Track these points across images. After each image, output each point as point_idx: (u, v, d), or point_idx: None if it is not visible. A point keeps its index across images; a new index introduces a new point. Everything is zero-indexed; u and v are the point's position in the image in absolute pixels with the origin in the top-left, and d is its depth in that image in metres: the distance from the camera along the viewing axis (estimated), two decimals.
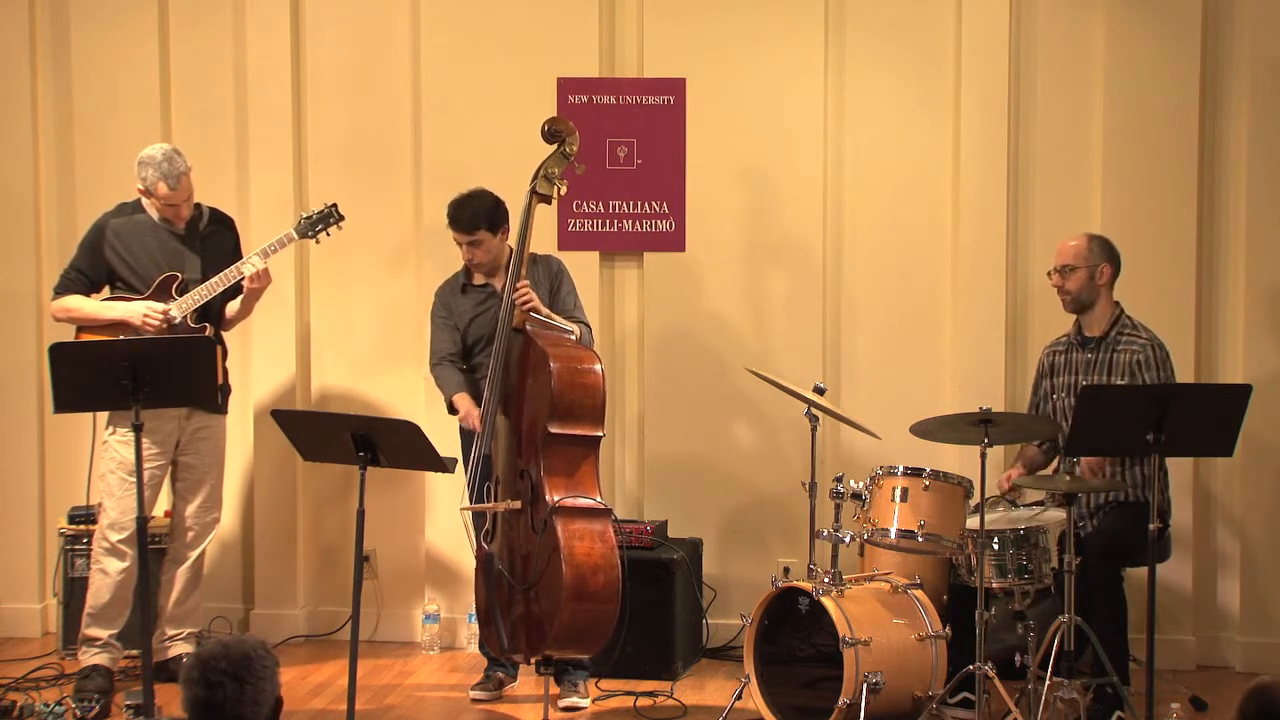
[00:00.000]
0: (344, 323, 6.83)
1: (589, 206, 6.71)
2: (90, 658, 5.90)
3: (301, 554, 6.83)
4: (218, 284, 5.91)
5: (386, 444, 5.06)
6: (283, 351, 6.79)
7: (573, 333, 5.70)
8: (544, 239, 6.44)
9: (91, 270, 5.97)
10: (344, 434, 5.06)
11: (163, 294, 5.90)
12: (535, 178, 5.72)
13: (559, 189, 5.74)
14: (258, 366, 6.81)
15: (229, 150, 6.84)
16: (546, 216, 6.44)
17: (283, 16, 6.73)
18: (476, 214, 5.80)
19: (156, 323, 5.82)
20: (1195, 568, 6.37)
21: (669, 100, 6.67)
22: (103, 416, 5.98)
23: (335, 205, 6.14)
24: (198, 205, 6.06)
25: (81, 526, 6.38)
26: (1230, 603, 6.40)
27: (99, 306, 5.93)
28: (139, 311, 5.83)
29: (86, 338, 5.85)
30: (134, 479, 5.71)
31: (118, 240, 5.95)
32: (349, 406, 6.66)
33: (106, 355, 5.19)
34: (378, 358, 6.81)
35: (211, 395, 5.54)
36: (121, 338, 5.73)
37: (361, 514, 5.05)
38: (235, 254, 6.10)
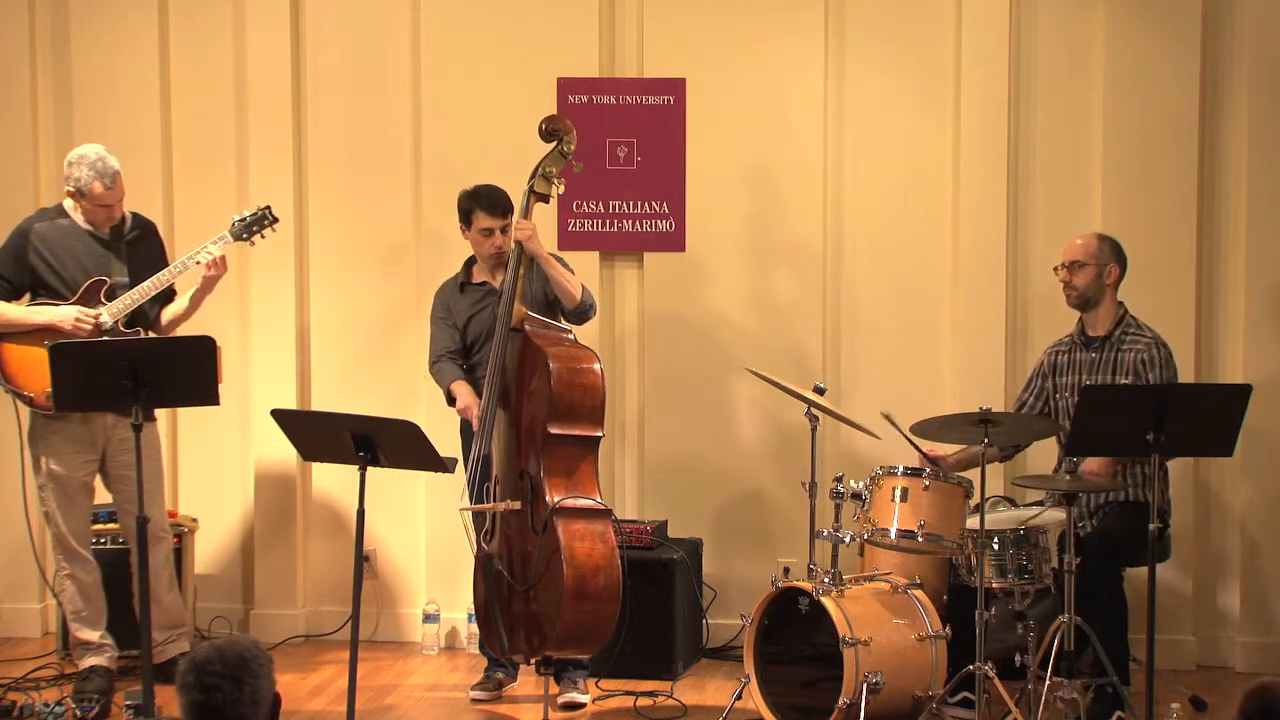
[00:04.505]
0: (343, 322, 6.83)
1: (589, 206, 6.71)
2: (88, 659, 5.90)
3: (301, 554, 6.83)
4: (149, 288, 5.82)
5: (386, 444, 5.05)
6: (282, 350, 6.79)
7: (570, 331, 5.71)
8: (544, 239, 6.42)
9: (15, 276, 5.84)
10: (344, 434, 5.05)
11: (90, 299, 5.80)
12: (533, 177, 5.72)
13: (557, 188, 5.75)
14: (257, 365, 6.81)
15: (229, 150, 6.84)
16: (546, 216, 6.45)
17: (283, 16, 6.73)
18: (506, 197, 5.84)
19: (88, 328, 5.72)
20: (1195, 568, 6.37)
21: (669, 100, 6.67)
22: (25, 425, 5.90)
23: (269, 207, 6.06)
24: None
25: None
26: (1230, 603, 6.40)
27: (24, 311, 5.81)
28: (70, 316, 5.73)
29: (8, 346, 5.75)
30: (68, 490, 5.82)
31: (43, 245, 5.84)
32: (348, 406, 6.65)
33: (107, 355, 5.18)
34: (377, 357, 6.81)
35: (212, 395, 5.52)
36: (47, 345, 5.65)
37: (361, 514, 5.04)
38: (161, 259, 6.00)
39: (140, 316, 5.90)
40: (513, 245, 5.73)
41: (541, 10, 6.70)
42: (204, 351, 5.30)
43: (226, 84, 6.84)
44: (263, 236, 6.08)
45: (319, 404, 6.75)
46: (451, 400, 5.89)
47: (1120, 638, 5.53)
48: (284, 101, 6.75)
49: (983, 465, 5.23)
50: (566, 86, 6.67)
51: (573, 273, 5.86)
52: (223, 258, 5.88)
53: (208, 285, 5.93)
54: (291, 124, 6.77)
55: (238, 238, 6.01)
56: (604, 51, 6.70)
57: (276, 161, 6.76)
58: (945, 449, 5.73)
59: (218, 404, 5.51)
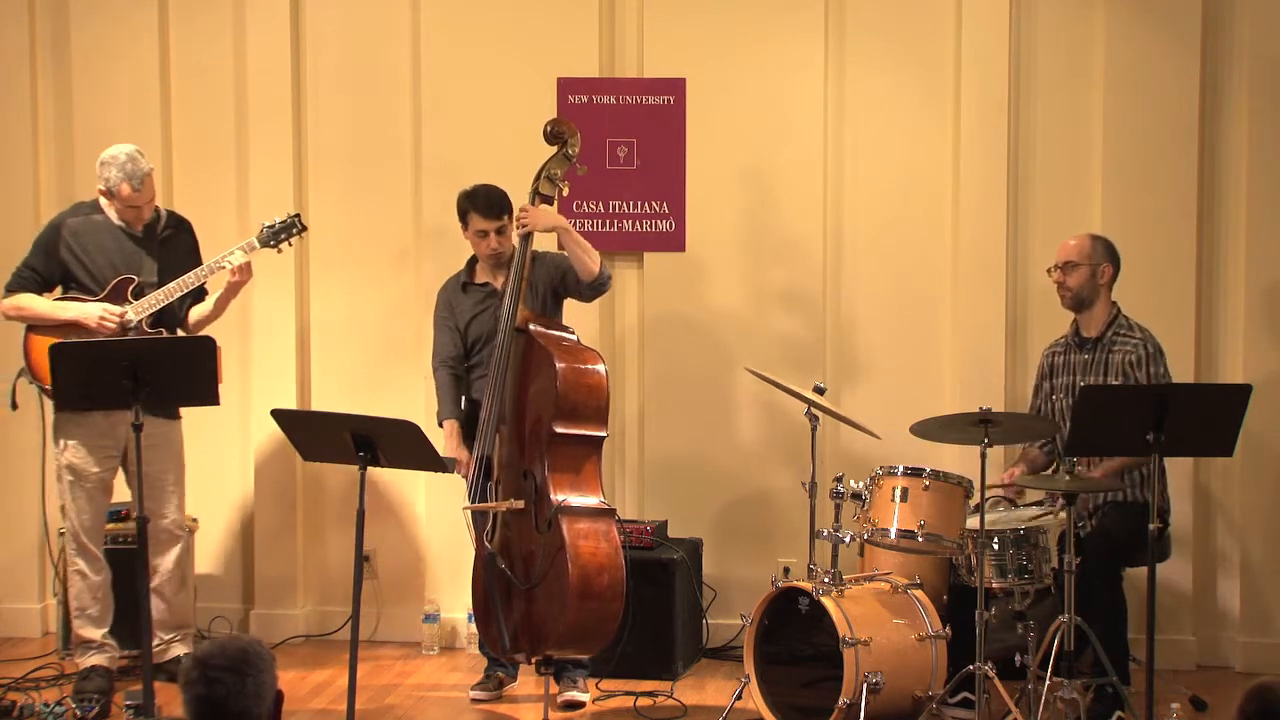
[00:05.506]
0: (344, 322, 6.83)
1: (589, 206, 6.71)
2: (88, 658, 5.90)
3: (301, 554, 6.83)
4: (175, 289, 5.85)
5: (386, 444, 5.05)
6: (282, 350, 6.79)
7: (572, 332, 5.72)
8: (544, 238, 6.43)
9: (45, 269, 5.89)
10: (344, 434, 5.05)
11: (117, 297, 5.83)
12: (537, 179, 5.73)
13: (561, 190, 5.76)
14: (257, 366, 6.81)
15: (229, 150, 6.84)
16: None
17: (283, 16, 6.73)
18: (501, 200, 5.83)
19: (113, 326, 5.75)
20: (1195, 568, 6.37)
21: (669, 100, 6.67)
22: (49, 420, 5.93)
23: (298, 215, 6.10)
24: (155, 208, 5.99)
25: None
26: (1230, 603, 6.40)
27: (52, 306, 5.86)
28: (95, 314, 5.76)
29: (35, 339, 5.79)
30: (86, 485, 5.82)
31: (74, 240, 5.88)
32: (348, 406, 6.65)
33: (107, 355, 5.18)
34: (377, 357, 6.81)
35: (212, 395, 5.52)
36: (92, 339, 5.70)
37: (361, 514, 5.05)
38: (193, 257, 6.02)
39: (169, 316, 5.92)
40: (515, 244, 5.73)
41: (541, 10, 6.70)
42: (204, 351, 5.31)
43: (226, 84, 6.84)
44: (289, 244, 6.10)
45: (319, 404, 6.75)
46: (441, 424, 5.90)
47: (1120, 638, 5.53)
48: (284, 101, 6.75)
49: (983, 466, 5.21)
50: (566, 86, 6.67)
51: (603, 262, 5.85)
52: (248, 264, 5.91)
53: (232, 290, 5.98)
54: (291, 124, 6.77)
55: (265, 244, 6.01)
56: (604, 51, 6.70)
57: (276, 161, 6.76)
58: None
59: (218, 404, 5.52)
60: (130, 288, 5.85)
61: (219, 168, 6.82)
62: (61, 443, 5.89)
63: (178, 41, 6.88)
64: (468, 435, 5.85)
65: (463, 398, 5.92)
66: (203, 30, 6.85)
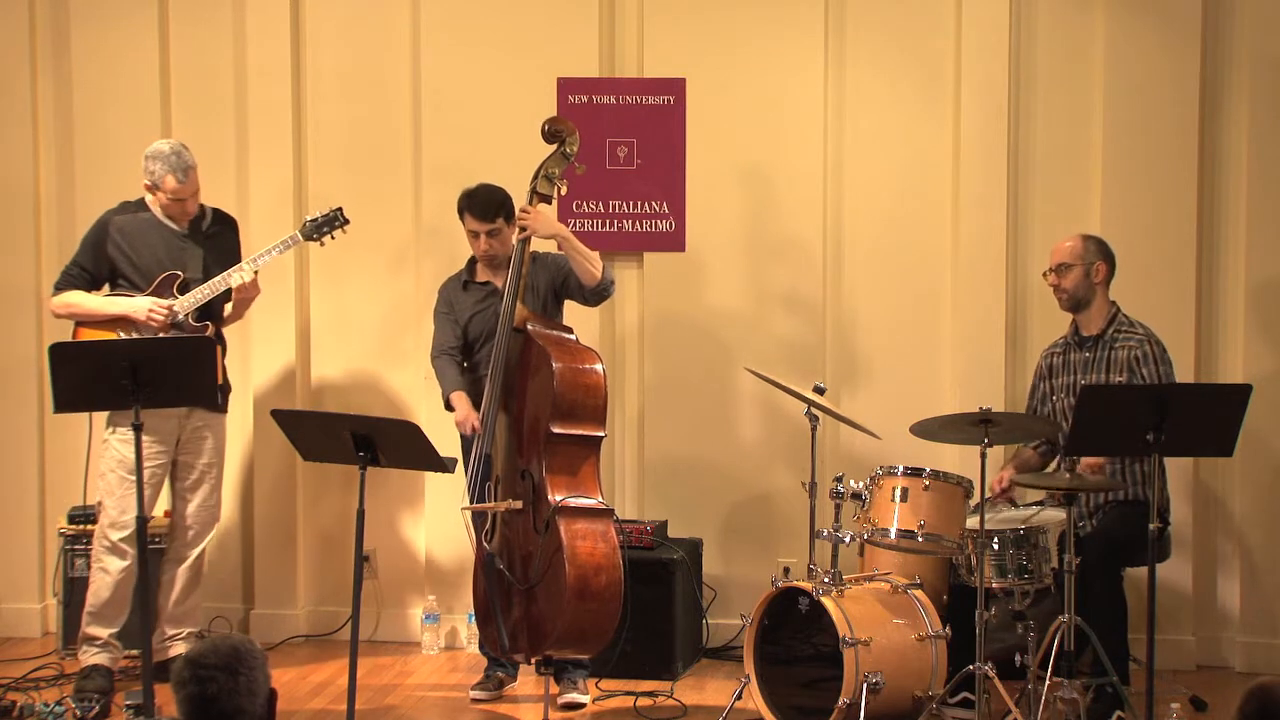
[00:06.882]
0: (344, 322, 6.83)
1: (589, 206, 6.71)
2: (90, 657, 5.90)
3: (301, 554, 6.83)
4: (219, 284, 5.93)
5: (386, 444, 5.05)
6: (282, 350, 6.79)
7: (571, 332, 5.72)
8: (544, 242, 6.44)
9: (94, 267, 5.96)
10: (344, 434, 5.05)
11: (163, 292, 5.90)
12: (535, 178, 5.73)
13: (559, 189, 5.77)
14: (257, 365, 6.82)
15: (229, 149, 6.84)
16: None
17: (283, 16, 6.73)
18: (497, 203, 5.83)
19: (161, 318, 5.81)
20: (1195, 568, 6.38)
21: (669, 100, 6.67)
22: (101, 415, 5.98)
23: (340, 209, 6.15)
24: (200, 205, 6.06)
25: (81, 526, 6.39)
26: (1230, 603, 6.40)
27: (101, 302, 5.92)
28: (144, 307, 5.83)
29: (85, 334, 5.85)
30: (135, 478, 5.74)
31: (122, 237, 5.94)
32: (348, 405, 6.66)
33: (107, 355, 5.19)
34: (377, 357, 6.82)
35: (211, 395, 5.54)
36: (121, 335, 5.75)
37: (361, 514, 5.05)
38: (237, 255, 6.12)
39: (210, 309, 5.97)
40: (514, 244, 5.73)
41: (541, 10, 6.70)
42: (204, 351, 5.33)
43: (226, 85, 6.84)
44: (333, 237, 6.16)
45: (319, 404, 6.75)
46: (449, 406, 5.89)
47: (1120, 638, 5.53)
48: (284, 102, 6.76)
49: (983, 466, 5.22)
50: (566, 86, 6.68)
51: (601, 265, 5.85)
52: (254, 281, 5.97)
53: (240, 304, 6.08)
54: (291, 125, 6.77)
55: (308, 238, 6.10)
56: (604, 51, 6.70)
57: (276, 162, 6.76)
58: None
59: (217, 403, 5.51)
60: (176, 284, 5.91)
61: (219, 168, 6.81)
62: (114, 431, 5.89)
63: (178, 42, 6.88)
64: (466, 436, 5.85)
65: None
66: (203, 31, 6.85)
